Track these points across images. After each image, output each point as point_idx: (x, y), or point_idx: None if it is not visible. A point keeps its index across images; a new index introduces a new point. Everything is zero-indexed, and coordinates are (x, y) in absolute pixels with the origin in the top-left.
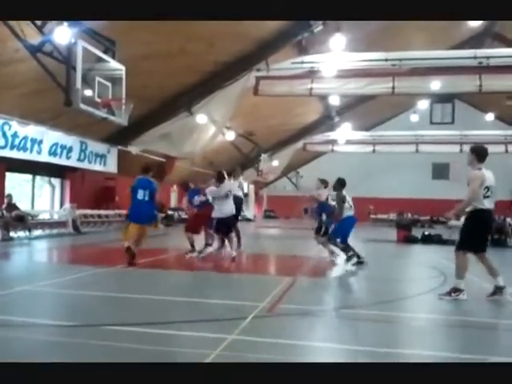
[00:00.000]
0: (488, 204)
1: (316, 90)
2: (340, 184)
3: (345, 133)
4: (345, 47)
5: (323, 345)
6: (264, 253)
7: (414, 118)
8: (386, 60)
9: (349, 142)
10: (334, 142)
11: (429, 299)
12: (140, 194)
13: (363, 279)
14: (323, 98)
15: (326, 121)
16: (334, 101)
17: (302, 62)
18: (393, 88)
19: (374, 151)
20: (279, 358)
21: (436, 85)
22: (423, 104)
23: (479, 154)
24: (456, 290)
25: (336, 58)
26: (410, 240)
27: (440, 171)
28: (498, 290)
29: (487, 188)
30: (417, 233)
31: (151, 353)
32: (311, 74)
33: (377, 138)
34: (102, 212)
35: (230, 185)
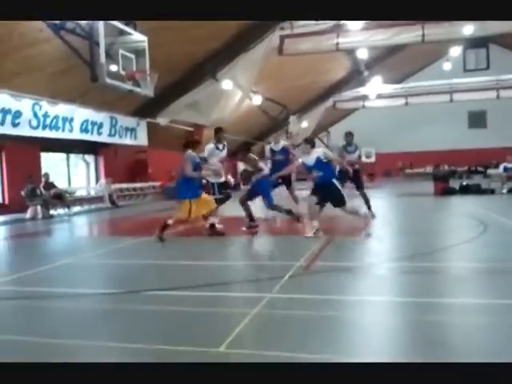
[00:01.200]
0: None
1: (343, 45)
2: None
3: (375, 87)
4: None
5: (363, 298)
6: (297, 214)
7: (447, 66)
8: None
9: (380, 97)
10: (364, 97)
11: (469, 248)
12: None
13: (401, 233)
14: (350, 52)
15: (355, 76)
16: (362, 54)
17: None
18: (422, 36)
19: (406, 104)
20: (317, 313)
21: (469, 29)
22: (456, 51)
23: None
24: None
25: None
26: (447, 192)
27: (476, 120)
28: None
29: None
30: (454, 184)
31: (193, 314)
32: (337, 28)
33: (409, 89)
34: (137, 185)
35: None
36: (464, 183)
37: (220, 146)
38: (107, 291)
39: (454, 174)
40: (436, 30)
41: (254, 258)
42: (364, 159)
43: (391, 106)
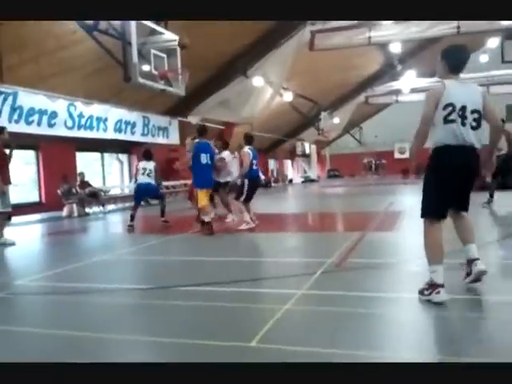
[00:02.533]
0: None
1: (375, 39)
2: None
3: (409, 81)
4: None
5: (396, 295)
6: (329, 211)
7: (484, 58)
8: None
9: (414, 91)
10: (398, 92)
11: (507, 244)
12: (203, 158)
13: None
14: (383, 46)
15: (388, 70)
16: (395, 48)
17: None
18: (458, 28)
19: None
20: (350, 309)
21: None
22: (493, 42)
23: (448, 58)
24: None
25: None
26: (484, 187)
27: None
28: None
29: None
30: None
31: (224, 309)
32: (369, 22)
33: None
34: (169, 183)
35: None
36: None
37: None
38: (142, 286)
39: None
40: (471, 22)
41: (285, 255)
42: (397, 155)
43: None
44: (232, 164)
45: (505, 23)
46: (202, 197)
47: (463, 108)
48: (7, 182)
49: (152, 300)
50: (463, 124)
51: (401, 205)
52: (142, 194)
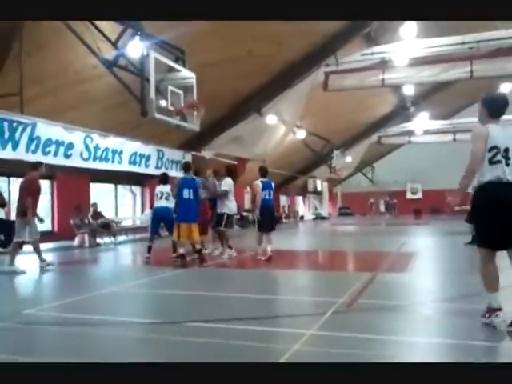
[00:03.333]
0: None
1: (388, 81)
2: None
3: (422, 123)
4: (416, 35)
5: (407, 339)
6: (341, 250)
7: None
8: (463, 43)
9: (427, 132)
10: (410, 133)
11: None
12: (186, 193)
13: (448, 272)
14: (396, 88)
15: (400, 112)
16: (409, 90)
17: (372, 53)
18: (471, 72)
19: (454, 140)
20: (361, 352)
21: None
22: (506, 87)
23: (487, 105)
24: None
25: (408, 46)
26: None
27: None
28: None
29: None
30: None
31: (232, 347)
32: (382, 65)
33: (457, 125)
34: None
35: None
36: None
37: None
38: (150, 321)
39: None
40: (485, 66)
41: (296, 293)
42: (410, 195)
43: (438, 142)
44: (231, 192)
45: None
46: (180, 230)
47: (506, 150)
48: (35, 214)
49: (159, 335)
50: (507, 164)
51: (413, 246)
52: (159, 218)
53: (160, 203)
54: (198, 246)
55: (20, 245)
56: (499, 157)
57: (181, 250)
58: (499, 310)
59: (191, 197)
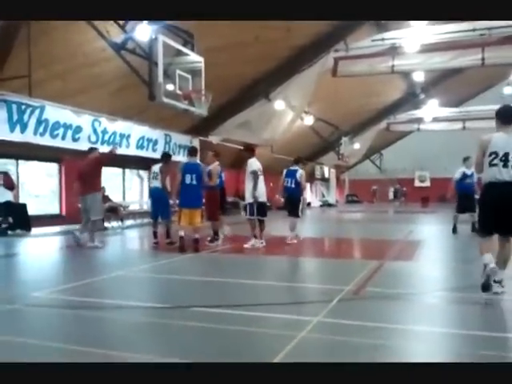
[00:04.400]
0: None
1: (398, 67)
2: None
3: (431, 110)
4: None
5: (413, 328)
6: (348, 237)
7: (508, 90)
8: (474, 30)
9: (436, 120)
10: (419, 120)
11: None
12: (188, 179)
13: (456, 261)
14: (406, 74)
15: (410, 98)
16: (419, 77)
17: (383, 39)
18: (482, 59)
19: (464, 128)
20: (367, 341)
21: None
22: None
23: (498, 115)
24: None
25: (418, 32)
26: None
27: None
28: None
29: (494, 154)
30: None
31: (238, 333)
32: (392, 51)
33: (466, 113)
34: None
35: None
36: None
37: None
38: (156, 305)
39: None
40: (496, 53)
41: (303, 280)
42: (418, 183)
43: (448, 130)
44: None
45: None
46: (182, 215)
47: (506, 154)
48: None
49: (165, 319)
50: (505, 166)
51: (420, 234)
52: (154, 201)
53: (153, 183)
54: (196, 235)
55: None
56: (496, 161)
57: (181, 233)
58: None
59: (193, 182)
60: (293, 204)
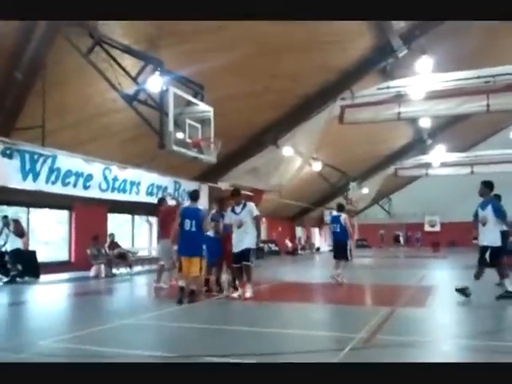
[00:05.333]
0: None
1: (404, 114)
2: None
3: (439, 155)
4: (432, 69)
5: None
6: (358, 283)
7: None
8: (478, 77)
9: (444, 165)
10: (427, 165)
11: None
12: (187, 225)
13: (468, 307)
14: (413, 121)
15: (417, 144)
16: (425, 123)
17: (388, 87)
18: (487, 106)
19: (472, 172)
20: None
21: None
22: None
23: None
24: None
25: (424, 80)
26: None
27: None
28: None
29: None
30: None
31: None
32: (398, 98)
33: (474, 158)
34: None
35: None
36: None
37: (237, 210)
38: (164, 354)
39: None
40: (501, 100)
41: (313, 327)
42: (428, 228)
43: (456, 175)
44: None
45: None
46: (182, 263)
47: None
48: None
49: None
50: None
51: (432, 279)
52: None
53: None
54: (192, 286)
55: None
56: None
57: (179, 283)
58: None
59: (192, 228)
60: (341, 247)
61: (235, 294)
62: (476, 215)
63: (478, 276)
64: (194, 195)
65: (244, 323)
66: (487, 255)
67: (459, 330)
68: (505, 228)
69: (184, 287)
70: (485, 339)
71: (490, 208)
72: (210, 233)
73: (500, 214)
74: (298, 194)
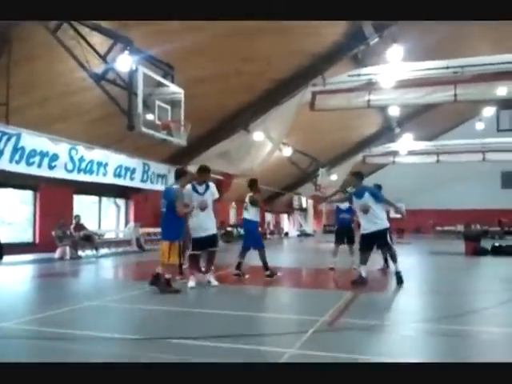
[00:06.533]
0: None
1: (374, 102)
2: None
3: (406, 143)
4: (403, 58)
5: (388, 360)
6: (324, 267)
7: (480, 125)
8: (447, 68)
9: (411, 153)
10: (395, 153)
11: (499, 313)
12: (162, 206)
13: (430, 293)
14: (382, 109)
15: (386, 132)
16: (394, 111)
17: (359, 75)
18: (455, 96)
19: (438, 161)
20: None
21: (502, 90)
22: (489, 111)
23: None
24: None
25: (394, 68)
26: (479, 252)
27: (510, 180)
28: None
29: None
30: (486, 244)
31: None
32: (369, 86)
33: (440, 147)
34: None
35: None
36: (496, 244)
37: (200, 189)
38: (129, 336)
39: (485, 234)
40: (468, 90)
41: (277, 311)
42: (393, 214)
43: (422, 163)
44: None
45: (500, 93)
46: (163, 248)
47: None
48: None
49: (136, 352)
50: None
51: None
52: (245, 232)
53: (243, 214)
54: (158, 270)
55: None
56: None
57: (157, 270)
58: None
59: (163, 209)
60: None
61: (192, 283)
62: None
63: (365, 261)
64: (175, 173)
65: (208, 306)
66: (378, 240)
67: (420, 315)
68: (394, 207)
69: (158, 272)
70: (444, 323)
71: (367, 195)
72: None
73: (380, 197)
74: (267, 179)
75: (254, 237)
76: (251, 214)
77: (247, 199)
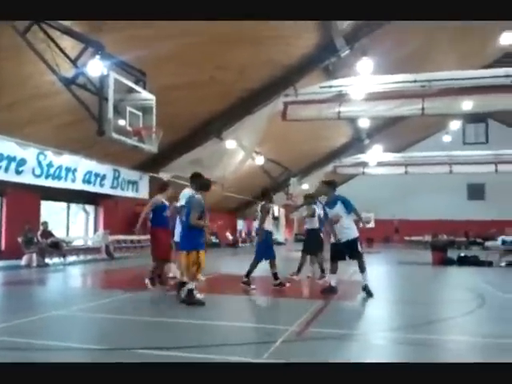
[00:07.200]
0: None
1: (344, 114)
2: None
3: (376, 155)
4: (372, 71)
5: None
6: (294, 276)
7: (447, 138)
8: (415, 81)
9: (380, 164)
10: (364, 164)
11: (464, 322)
12: (183, 215)
13: (396, 302)
14: (352, 120)
15: (355, 143)
16: (364, 123)
17: (330, 86)
18: (422, 109)
19: (406, 173)
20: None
21: (468, 105)
22: (455, 124)
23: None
24: None
25: (364, 81)
26: (445, 262)
27: (475, 192)
28: None
29: None
30: (453, 254)
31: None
32: (339, 98)
33: (409, 159)
34: (134, 237)
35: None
36: (462, 254)
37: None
38: (94, 347)
39: (452, 244)
40: (435, 104)
41: (246, 320)
42: (362, 225)
43: (391, 174)
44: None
45: (466, 108)
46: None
47: None
48: None
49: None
50: None
51: None
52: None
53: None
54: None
55: None
56: None
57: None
58: None
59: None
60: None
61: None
62: (326, 215)
63: (335, 271)
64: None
65: (177, 315)
66: (349, 250)
67: (388, 324)
68: (359, 217)
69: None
70: (411, 332)
71: (339, 204)
72: None
73: (351, 207)
74: (240, 187)
75: (266, 246)
76: (264, 223)
77: (259, 208)
